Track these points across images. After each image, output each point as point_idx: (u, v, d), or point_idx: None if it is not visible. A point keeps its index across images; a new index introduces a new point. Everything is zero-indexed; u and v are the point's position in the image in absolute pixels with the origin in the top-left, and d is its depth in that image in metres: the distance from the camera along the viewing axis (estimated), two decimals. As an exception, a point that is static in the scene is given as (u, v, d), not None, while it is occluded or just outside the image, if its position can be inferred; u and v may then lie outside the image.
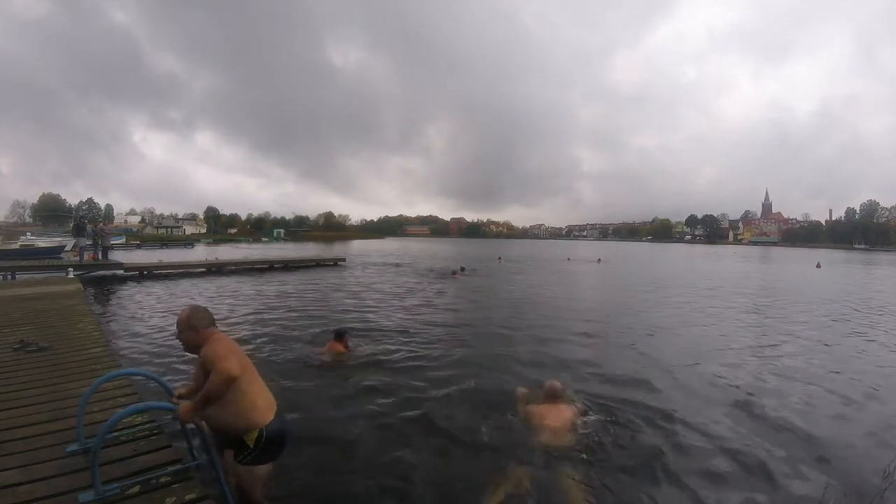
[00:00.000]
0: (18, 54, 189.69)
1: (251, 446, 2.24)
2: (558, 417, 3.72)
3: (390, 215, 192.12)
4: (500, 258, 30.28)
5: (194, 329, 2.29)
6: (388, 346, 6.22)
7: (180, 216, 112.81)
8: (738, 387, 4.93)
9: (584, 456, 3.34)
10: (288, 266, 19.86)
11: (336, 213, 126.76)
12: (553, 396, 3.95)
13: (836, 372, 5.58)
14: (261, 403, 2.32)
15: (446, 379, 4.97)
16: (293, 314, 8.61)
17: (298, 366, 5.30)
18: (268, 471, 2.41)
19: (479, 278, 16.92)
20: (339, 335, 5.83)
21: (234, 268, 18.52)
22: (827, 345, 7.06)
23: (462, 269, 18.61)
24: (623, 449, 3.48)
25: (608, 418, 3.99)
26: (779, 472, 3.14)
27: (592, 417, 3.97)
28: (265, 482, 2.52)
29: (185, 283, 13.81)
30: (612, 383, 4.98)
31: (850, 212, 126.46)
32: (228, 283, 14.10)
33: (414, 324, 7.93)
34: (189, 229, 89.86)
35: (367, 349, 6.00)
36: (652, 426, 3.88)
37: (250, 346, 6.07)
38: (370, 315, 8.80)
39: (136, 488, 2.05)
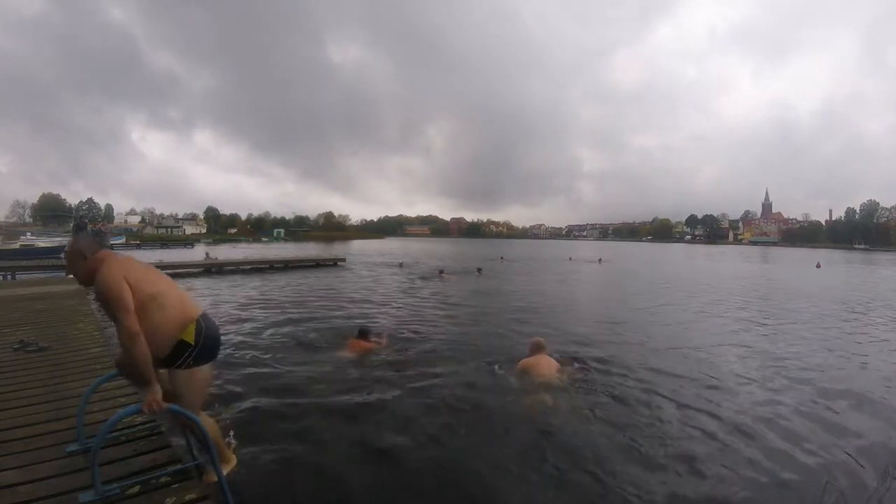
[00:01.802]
0: (16, 51, 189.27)
1: (192, 342, 2.11)
2: (546, 364, 4.51)
3: (390, 215, 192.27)
4: (501, 258, 30.33)
5: (82, 257, 2.05)
6: (400, 345, 6.19)
7: (180, 216, 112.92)
8: (738, 379, 4.96)
9: (571, 389, 4.29)
10: (288, 266, 19.84)
11: (336, 213, 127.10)
12: (538, 348, 4.69)
13: (839, 367, 5.60)
14: (183, 301, 2.18)
15: (462, 372, 5.03)
16: (295, 314, 8.59)
17: (314, 364, 5.24)
18: (210, 373, 2.28)
19: (481, 278, 16.94)
20: (363, 332, 5.79)
21: (233, 268, 18.52)
22: (829, 342, 7.03)
23: (479, 269, 18.82)
24: (604, 392, 4.35)
25: (587, 368, 4.97)
26: (776, 467, 3.12)
27: (574, 367, 4.89)
28: (207, 387, 2.35)
29: (185, 284, 13.78)
30: (611, 361, 5.47)
31: (850, 212, 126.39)
32: (228, 283, 14.09)
33: (420, 323, 7.91)
34: (189, 229, 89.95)
35: (385, 346, 5.95)
36: (646, 398, 4.38)
37: (253, 347, 6.07)
38: (374, 314, 8.79)
39: (136, 488, 2.05)
